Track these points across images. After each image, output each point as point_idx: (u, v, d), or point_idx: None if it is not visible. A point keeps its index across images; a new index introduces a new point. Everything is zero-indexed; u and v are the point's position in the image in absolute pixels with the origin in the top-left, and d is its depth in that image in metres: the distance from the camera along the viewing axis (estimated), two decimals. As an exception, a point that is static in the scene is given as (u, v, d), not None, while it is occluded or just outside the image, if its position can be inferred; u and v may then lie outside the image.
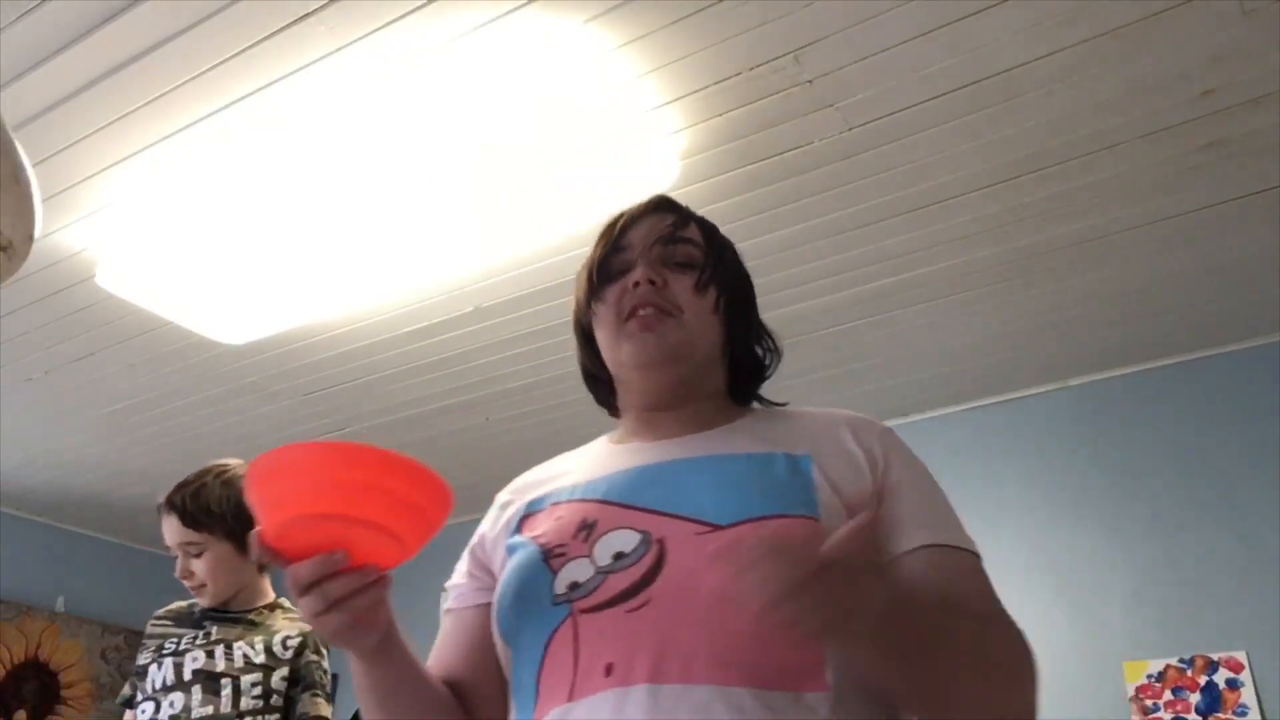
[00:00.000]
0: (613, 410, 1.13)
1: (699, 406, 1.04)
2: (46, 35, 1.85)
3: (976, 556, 0.91)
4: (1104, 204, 2.37)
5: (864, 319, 2.87)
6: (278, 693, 1.85)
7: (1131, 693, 2.76)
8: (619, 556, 0.88)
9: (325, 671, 1.91)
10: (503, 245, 2.49)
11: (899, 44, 1.90)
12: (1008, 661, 0.83)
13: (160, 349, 2.95)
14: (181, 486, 1.94)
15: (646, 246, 1.05)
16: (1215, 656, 2.70)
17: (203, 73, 1.94)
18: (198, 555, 1.91)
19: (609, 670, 0.80)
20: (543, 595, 0.89)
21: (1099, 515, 3.00)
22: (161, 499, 1.96)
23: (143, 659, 1.95)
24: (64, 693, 4.09)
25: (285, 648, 1.88)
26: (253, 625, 1.93)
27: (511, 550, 0.98)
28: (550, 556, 0.91)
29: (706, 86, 2.00)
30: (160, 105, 2.02)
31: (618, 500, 0.94)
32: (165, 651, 1.91)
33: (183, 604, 2.03)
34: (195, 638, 1.92)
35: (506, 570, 0.96)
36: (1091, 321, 2.88)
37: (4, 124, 0.95)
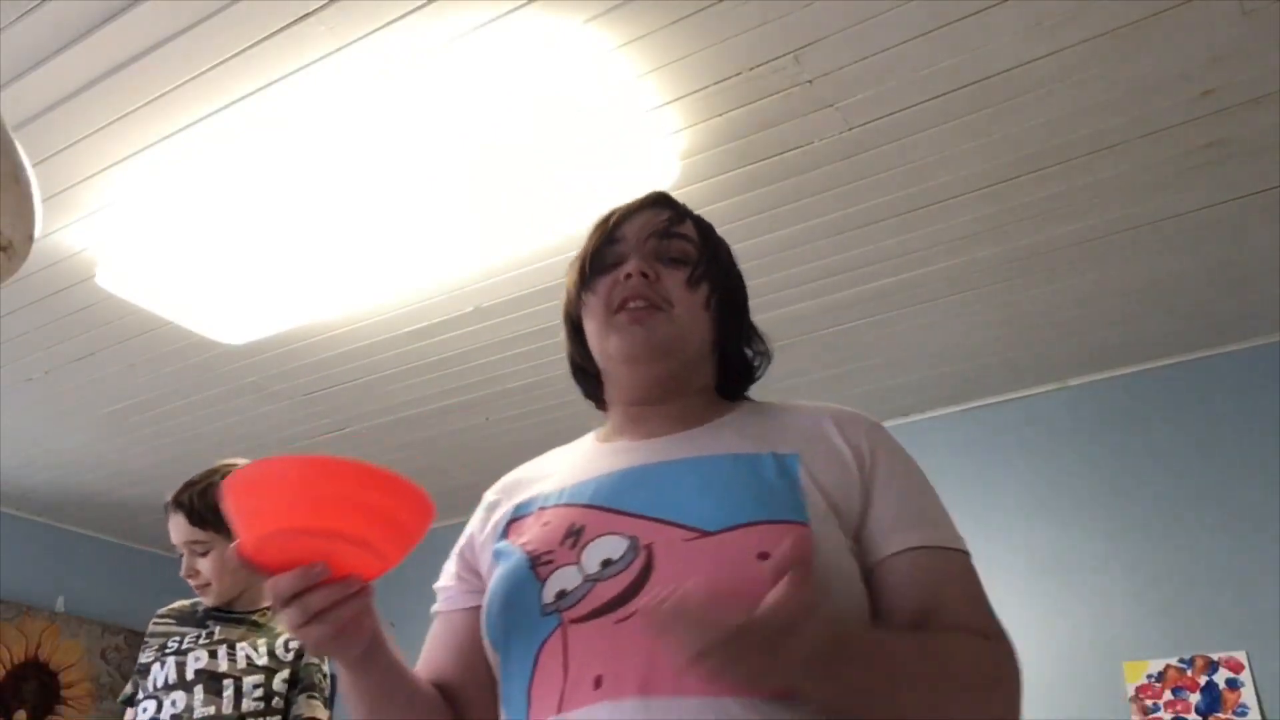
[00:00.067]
0: (599, 403, 1.12)
1: (687, 402, 1.03)
2: (46, 35, 1.85)
3: (964, 554, 0.90)
4: (1104, 204, 2.37)
5: (864, 319, 2.87)
6: (279, 695, 1.85)
7: (1131, 693, 2.76)
8: (607, 564, 0.87)
9: (325, 675, 1.91)
10: (503, 245, 2.49)
11: (899, 44, 1.90)
12: (979, 678, 0.82)
13: (160, 349, 2.95)
14: (189, 485, 1.94)
15: (641, 240, 1.04)
16: (1215, 656, 2.70)
17: (203, 73, 1.95)
18: (203, 554, 1.92)
19: (598, 682, 0.80)
20: (531, 605, 0.88)
21: (1099, 515, 3.00)
22: (169, 498, 1.96)
23: (145, 657, 1.95)
24: (64, 693, 4.09)
25: (287, 650, 1.89)
26: (256, 627, 1.93)
27: (498, 556, 0.97)
28: (538, 564, 0.90)
29: (706, 86, 2.00)
30: (160, 105, 2.02)
31: (605, 505, 0.93)
32: (168, 650, 1.91)
33: (185, 603, 2.03)
34: (198, 637, 1.92)
35: (494, 578, 0.95)
36: (1091, 321, 2.88)
37: (4, 124, 0.95)
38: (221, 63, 1.92)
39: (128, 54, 1.90)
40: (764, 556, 0.81)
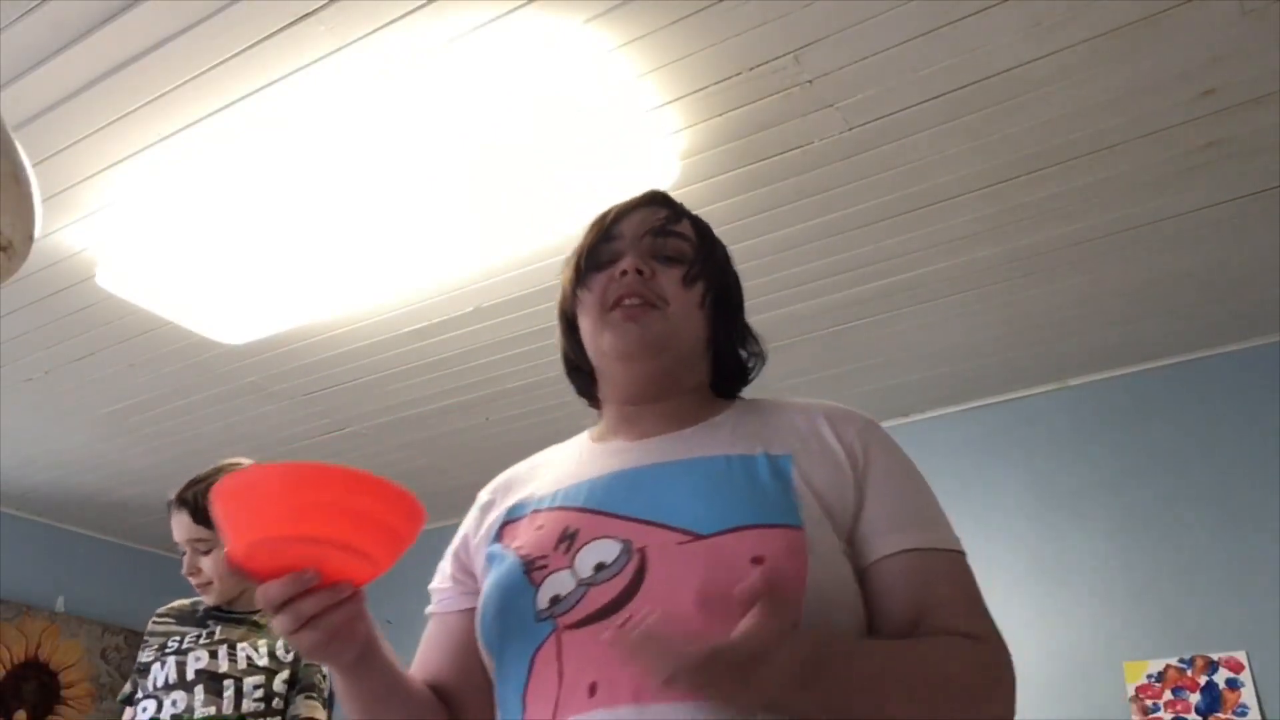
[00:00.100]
0: (593, 401, 1.12)
1: (680, 401, 1.03)
2: (46, 35, 1.85)
3: (958, 554, 0.90)
4: (1104, 204, 2.37)
5: (864, 319, 2.87)
6: (279, 696, 1.85)
7: (1131, 693, 2.76)
8: (600, 568, 0.86)
9: (324, 675, 1.91)
10: (503, 245, 2.49)
11: (899, 44, 1.90)
12: (968, 683, 0.82)
13: (160, 349, 2.95)
14: (193, 483, 1.94)
15: (637, 237, 1.04)
16: (1215, 656, 2.70)
17: (203, 73, 1.94)
18: (206, 553, 1.92)
19: (593, 690, 0.80)
20: (525, 611, 0.88)
21: (1099, 515, 3.00)
22: (172, 495, 1.95)
23: (145, 656, 1.95)
24: (64, 693, 4.09)
25: (287, 651, 1.89)
26: (256, 627, 1.93)
27: (491, 560, 0.97)
28: (531, 569, 0.90)
29: (706, 86, 2.00)
30: (160, 105, 2.02)
31: (598, 508, 0.93)
32: (168, 650, 1.91)
33: (185, 602, 2.03)
34: (198, 637, 1.92)
35: (488, 583, 0.95)
36: (1091, 321, 2.89)
37: (4, 124, 0.95)
38: (221, 63, 1.92)
39: (128, 54, 1.90)
40: (757, 561, 0.81)
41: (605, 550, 0.88)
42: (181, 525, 1.94)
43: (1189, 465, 2.92)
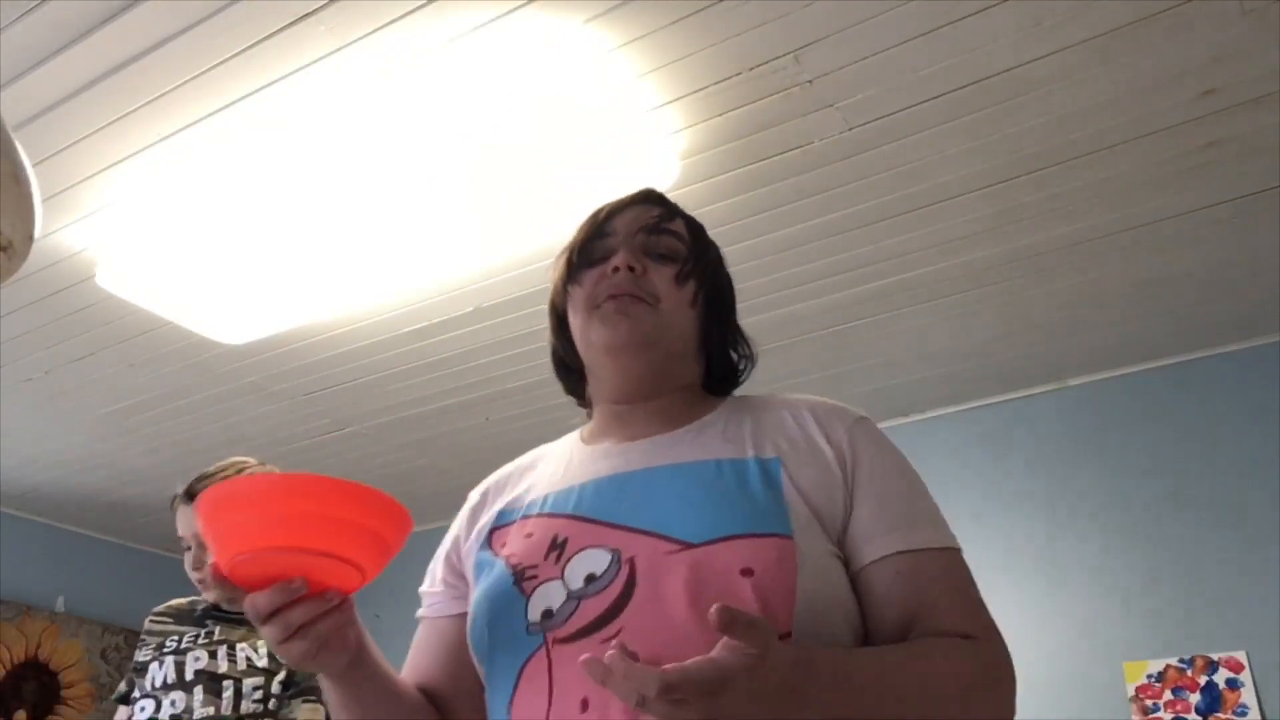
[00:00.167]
0: (581, 400, 1.11)
1: (671, 399, 1.02)
2: (46, 35, 1.85)
3: (951, 551, 0.89)
4: (1104, 204, 2.37)
5: (864, 319, 2.87)
6: (276, 697, 1.85)
7: (1131, 693, 2.76)
8: (590, 579, 0.86)
9: None
10: (503, 245, 2.49)
11: (899, 44, 1.90)
12: (963, 684, 0.81)
13: (160, 349, 2.95)
14: (202, 478, 1.93)
15: (630, 234, 1.03)
16: (1215, 656, 2.70)
17: (203, 73, 1.94)
18: None
19: (585, 705, 0.79)
20: (516, 622, 0.88)
21: (1099, 515, 3.00)
22: (180, 489, 1.94)
23: (142, 655, 1.94)
24: (64, 693, 4.09)
25: None
26: (255, 628, 1.93)
27: (481, 567, 0.97)
28: (522, 579, 0.90)
29: (706, 86, 2.00)
30: (160, 105, 2.02)
31: (587, 515, 0.92)
32: (166, 649, 1.91)
33: (183, 601, 2.02)
34: (197, 636, 1.92)
35: (478, 592, 0.94)
36: (1091, 321, 2.89)
37: (4, 124, 0.95)
38: (221, 63, 1.92)
39: (128, 54, 1.90)
40: (746, 572, 0.81)
41: (595, 560, 0.87)
42: (188, 519, 1.94)
43: (1189, 465, 2.92)
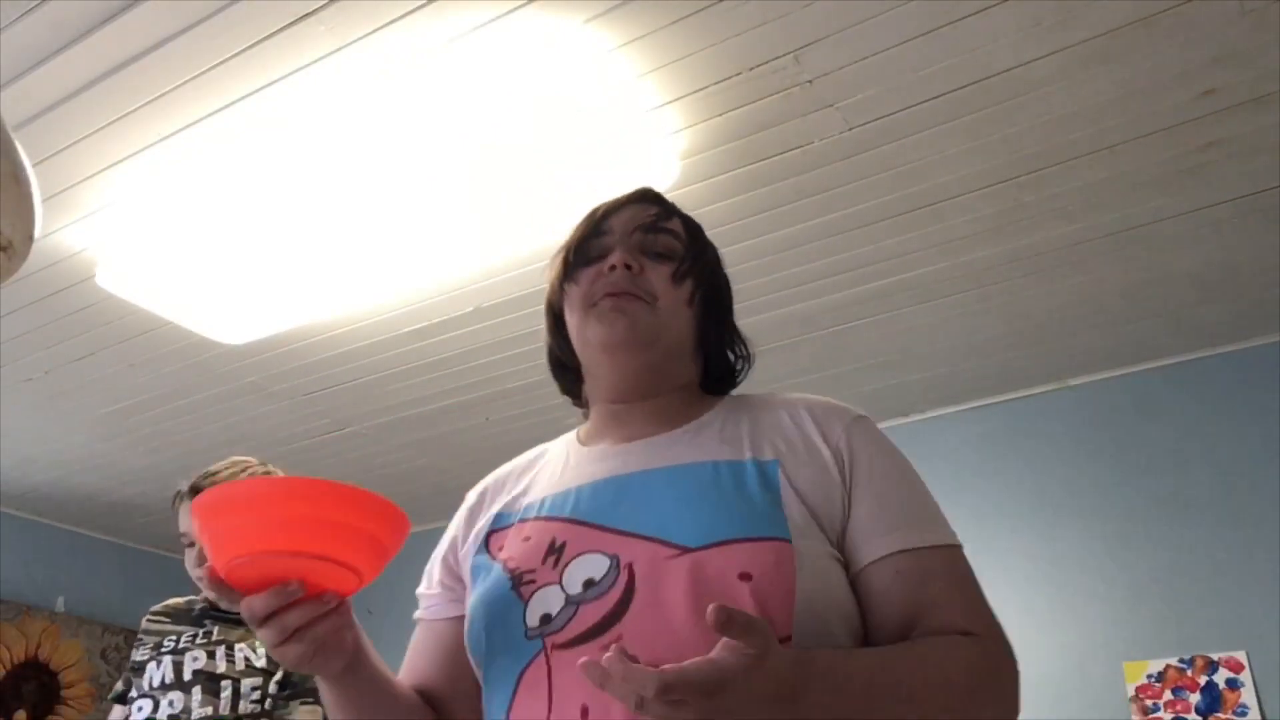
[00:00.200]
0: (577, 400, 1.11)
1: (668, 399, 1.01)
2: (46, 35, 1.85)
3: (951, 548, 0.88)
4: (1104, 204, 2.37)
5: (864, 319, 2.87)
6: (273, 697, 1.84)
7: (1131, 693, 2.76)
8: (589, 584, 0.85)
9: None
10: (503, 245, 2.49)
11: (899, 44, 1.90)
12: (965, 682, 0.80)
13: (160, 349, 2.95)
14: (209, 475, 1.92)
15: (627, 233, 1.03)
16: (1215, 656, 2.70)
17: (203, 73, 1.94)
18: None
19: (585, 712, 0.79)
20: (514, 627, 0.87)
21: (1099, 515, 3.00)
22: (184, 486, 1.93)
23: (140, 655, 1.93)
24: (64, 693, 4.09)
25: None
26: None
27: (478, 571, 0.96)
28: (520, 584, 0.89)
29: (706, 86, 2.00)
30: (160, 105, 2.02)
31: (585, 519, 0.91)
32: (164, 649, 1.90)
33: (180, 600, 2.02)
34: (195, 636, 1.91)
35: (475, 596, 0.94)
36: (1091, 321, 2.89)
37: (4, 124, 0.95)
38: (221, 63, 1.92)
39: (128, 54, 1.90)
40: (745, 577, 0.80)
41: (594, 566, 0.86)
42: (190, 517, 1.93)
43: (1189, 465, 2.92)
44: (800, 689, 0.71)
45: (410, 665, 1.02)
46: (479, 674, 0.93)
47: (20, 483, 3.91)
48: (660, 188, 1.11)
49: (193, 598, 1.99)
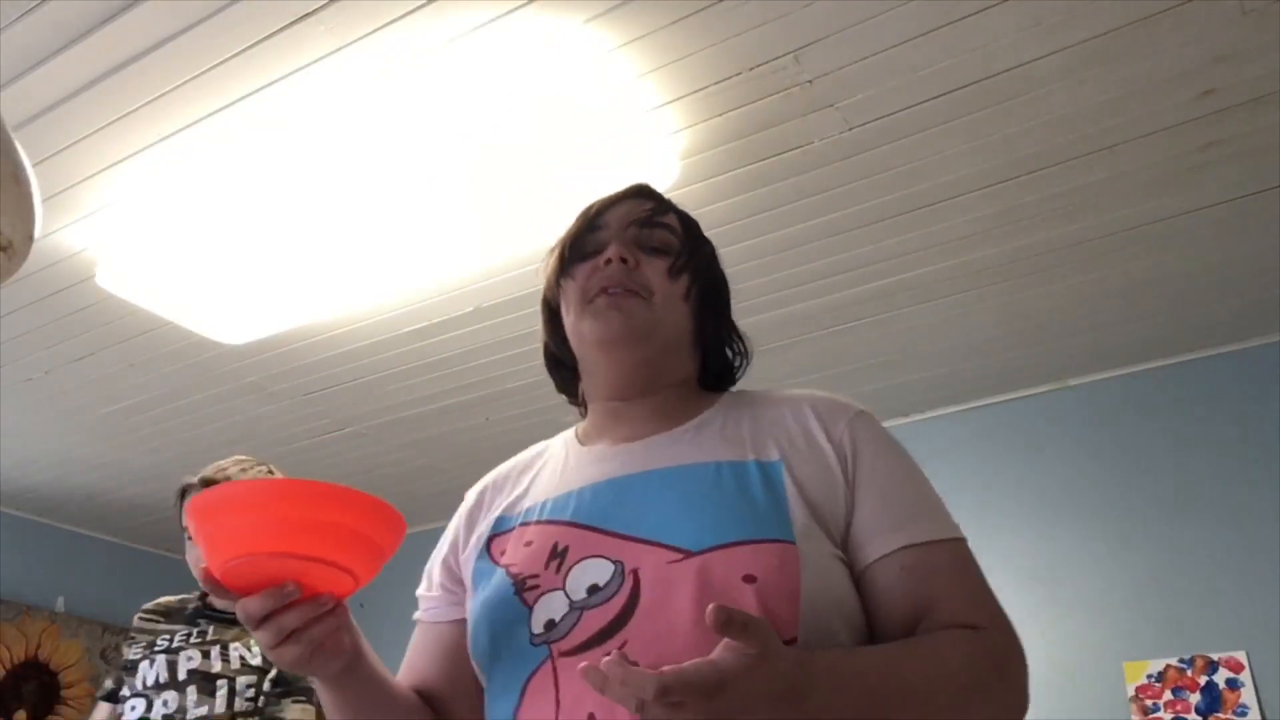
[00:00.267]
0: (574, 398, 1.10)
1: (667, 396, 1.00)
2: (46, 35, 1.85)
3: (955, 542, 0.88)
4: (1104, 204, 2.37)
5: (864, 319, 2.87)
6: (266, 695, 1.84)
7: (1131, 693, 2.76)
8: (593, 590, 0.84)
9: None
10: (503, 245, 2.49)
11: (899, 44, 1.90)
12: (972, 677, 0.80)
13: (160, 349, 2.95)
14: (219, 470, 1.92)
15: (622, 227, 1.02)
16: (1215, 656, 2.70)
17: (203, 73, 1.94)
18: None
19: (591, 719, 0.78)
20: (518, 634, 0.87)
21: (1099, 515, 3.00)
22: (193, 479, 1.93)
23: (132, 654, 1.93)
24: (64, 693, 4.09)
25: None
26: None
27: (480, 576, 0.96)
28: (523, 589, 0.88)
29: (706, 86, 2.00)
30: (160, 105, 2.02)
31: (586, 522, 0.91)
32: (157, 648, 1.90)
33: (172, 598, 2.01)
34: (189, 636, 1.91)
35: (478, 602, 0.93)
36: (1091, 321, 2.89)
37: (4, 124, 0.95)
38: (221, 63, 1.92)
39: (128, 54, 1.90)
40: (749, 579, 0.80)
41: (598, 571, 0.86)
42: None
43: (1189, 465, 2.92)
44: (804, 689, 0.71)
45: (409, 666, 1.02)
46: (482, 680, 0.93)
47: (20, 483, 3.91)
48: (660, 188, 1.11)
49: (185, 596, 1.99)
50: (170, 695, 1.83)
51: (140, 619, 1.98)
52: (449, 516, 1.09)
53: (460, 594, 1.00)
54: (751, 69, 1.96)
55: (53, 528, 4.32)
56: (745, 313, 1.11)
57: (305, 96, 2.00)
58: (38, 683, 4.03)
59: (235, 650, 1.87)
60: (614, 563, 0.85)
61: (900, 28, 1.86)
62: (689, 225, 1.07)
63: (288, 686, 1.85)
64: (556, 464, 1.02)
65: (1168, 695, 2.72)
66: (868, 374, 3.17)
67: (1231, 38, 1.88)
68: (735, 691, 0.67)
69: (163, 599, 2.02)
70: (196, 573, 1.92)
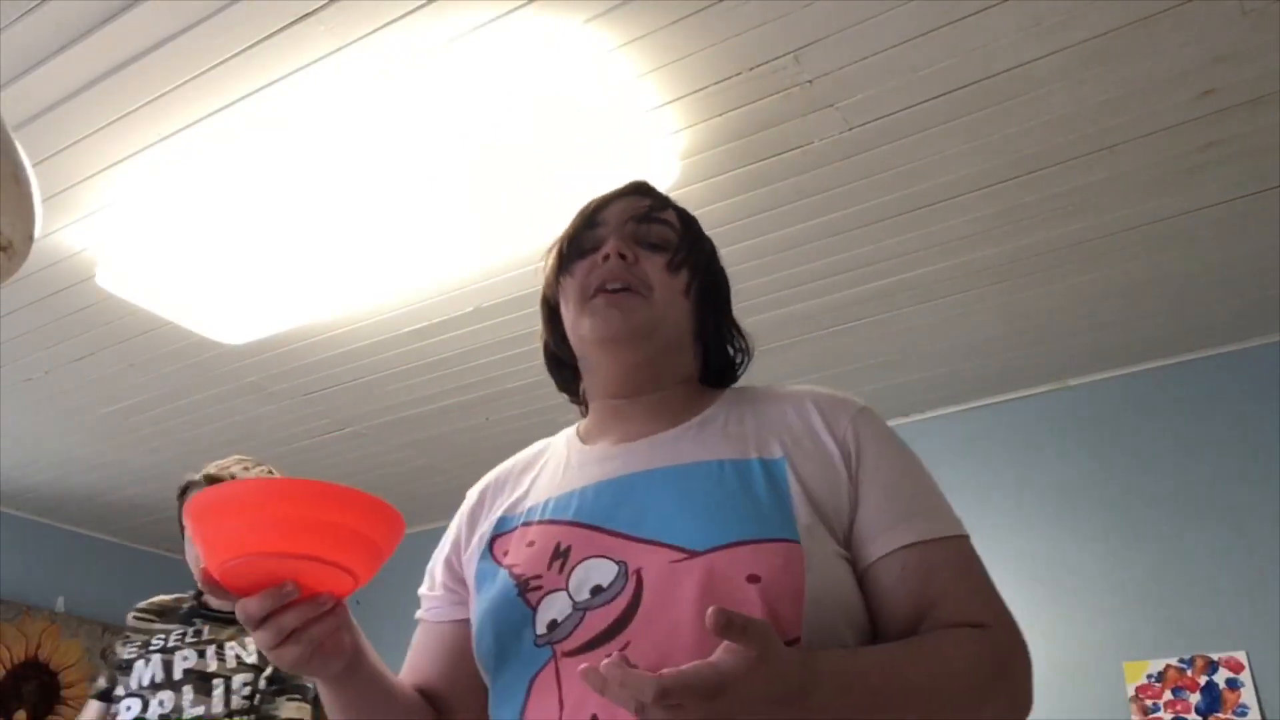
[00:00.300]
0: (574, 397, 1.10)
1: (668, 393, 1.00)
2: (46, 35, 1.85)
3: (958, 539, 0.88)
4: (1104, 204, 2.37)
5: (864, 319, 2.87)
6: (261, 692, 1.84)
7: (1131, 693, 2.76)
8: (597, 590, 0.84)
9: None
10: (503, 245, 2.49)
11: (899, 44, 1.90)
12: (976, 675, 0.79)
13: (160, 349, 2.95)
14: (223, 468, 1.92)
15: (620, 224, 1.02)
16: (1215, 656, 2.70)
17: (203, 73, 1.94)
18: None
19: None
20: (522, 635, 0.86)
21: (1099, 515, 3.00)
22: (196, 476, 1.92)
23: (127, 653, 1.92)
24: (64, 693, 4.09)
25: None
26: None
27: (483, 577, 0.95)
28: (526, 590, 0.88)
29: (706, 86, 2.00)
30: (160, 105, 2.02)
31: (589, 522, 0.90)
32: (153, 648, 1.89)
33: (167, 598, 2.01)
34: (184, 635, 1.91)
35: (482, 603, 0.93)
36: (1091, 321, 2.89)
37: (4, 124, 0.95)
38: (221, 63, 1.92)
39: (128, 54, 1.90)
40: (753, 579, 0.80)
41: (601, 571, 0.85)
42: None
43: (1189, 465, 2.92)
44: (806, 689, 0.71)
45: (411, 665, 1.02)
46: (487, 681, 0.93)
47: (20, 483, 3.91)
48: (660, 188, 1.11)
49: (180, 595, 1.99)
50: (166, 695, 1.83)
51: (135, 618, 1.98)
52: (449, 516, 1.09)
53: (463, 594, 1.00)
54: (751, 69, 1.96)
55: (53, 528, 4.32)
56: (745, 313, 1.11)
57: (305, 96, 2.00)
58: (38, 683, 4.03)
59: (231, 649, 1.87)
60: (617, 563, 0.85)
61: (900, 28, 1.86)
62: (687, 221, 1.07)
63: (283, 684, 1.85)
64: (558, 463, 1.02)
65: (1168, 695, 2.72)
66: (868, 374, 3.17)
67: (1231, 38, 1.88)
68: (735, 693, 0.67)
69: (157, 598, 2.01)
70: (196, 572, 1.92)
